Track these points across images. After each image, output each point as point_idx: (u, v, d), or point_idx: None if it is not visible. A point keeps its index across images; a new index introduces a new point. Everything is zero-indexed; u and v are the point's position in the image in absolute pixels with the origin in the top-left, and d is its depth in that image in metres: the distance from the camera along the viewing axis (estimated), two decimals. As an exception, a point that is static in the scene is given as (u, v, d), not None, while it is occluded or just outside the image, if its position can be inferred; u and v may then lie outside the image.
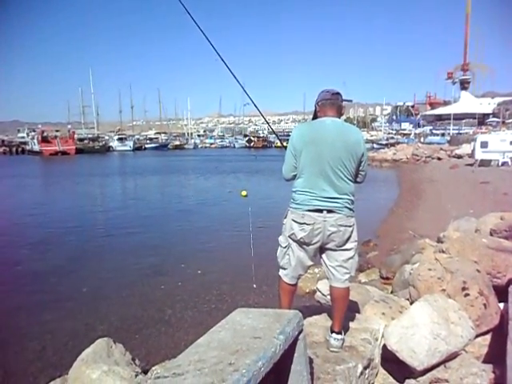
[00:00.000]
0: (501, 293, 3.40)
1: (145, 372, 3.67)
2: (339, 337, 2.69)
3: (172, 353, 4.44)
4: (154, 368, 3.77)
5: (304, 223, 2.60)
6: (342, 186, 2.58)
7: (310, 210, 2.58)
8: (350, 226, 2.63)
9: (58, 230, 12.05)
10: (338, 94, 2.75)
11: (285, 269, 2.79)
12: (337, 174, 2.56)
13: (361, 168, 2.70)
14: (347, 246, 2.66)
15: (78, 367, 3.23)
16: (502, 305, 3.30)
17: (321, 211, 2.56)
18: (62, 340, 5.44)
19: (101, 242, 10.66)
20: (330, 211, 2.56)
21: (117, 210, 15.96)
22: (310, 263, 2.77)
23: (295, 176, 2.71)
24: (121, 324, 5.90)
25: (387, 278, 6.60)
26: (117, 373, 3.09)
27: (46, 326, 5.89)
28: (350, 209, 2.64)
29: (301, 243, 2.67)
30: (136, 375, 3.24)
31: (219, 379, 1.36)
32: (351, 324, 3.07)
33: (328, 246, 2.64)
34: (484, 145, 26.98)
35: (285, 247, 2.78)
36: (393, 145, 55.02)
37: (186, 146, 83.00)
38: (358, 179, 2.75)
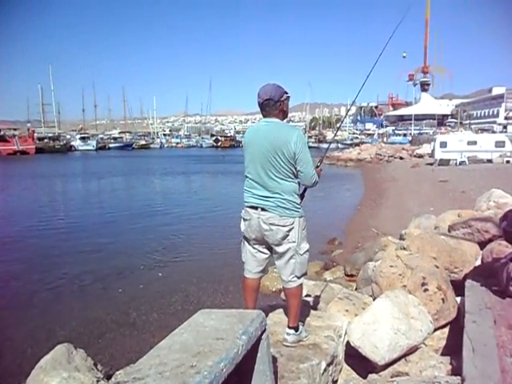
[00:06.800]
0: (458, 287, 3.54)
1: (108, 377, 3.58)
2: (292, 331, 2.77)
3: (137, 356, 4.28)
4: (117, 372, 3.68)
5: (243, 218, 2.82)
6: (273, 184, 2.64)
7: (248, 207, 2.76)
8: (284, 226, 2.64)
9: (15, 234, 11.58)
10: (268, 99, 2.66)
11: (243, 262, 2.93)
12: (267, 173, 2.65)
13: (298, 168, 2.65)
14: (284, 246, 2.69)
15: (36, 375, 3.11)
16: (459, 299, 3.43)
17: (256, 208, 2.69)
18: (21, 347, 5.23)
19: (59, 245, 10.29)
20: (263, 209, 2.66)
21: (75, 212, 15.47)
22: (262, 257, 2.84)
23: None
24: (83, 329, 5.72)
25: (351, 276, 6.72)
26: (77, 379, 3.00)
27: (3, 332, 5.65)
28: (287, 208, 2.64)
29: (245, 238, 2.84)
30: (98, 381, 3.16)
31: (180, 382, 1.34)
32: (315, 322, 3.10)
33: (269, 243, 2.73)
34: (443, 145, 28.00)
35: (241, 241, 2.94)
36: (357, 145, 56.26)
37: (151, 146, 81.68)
38: (302, 181, 2.72)
